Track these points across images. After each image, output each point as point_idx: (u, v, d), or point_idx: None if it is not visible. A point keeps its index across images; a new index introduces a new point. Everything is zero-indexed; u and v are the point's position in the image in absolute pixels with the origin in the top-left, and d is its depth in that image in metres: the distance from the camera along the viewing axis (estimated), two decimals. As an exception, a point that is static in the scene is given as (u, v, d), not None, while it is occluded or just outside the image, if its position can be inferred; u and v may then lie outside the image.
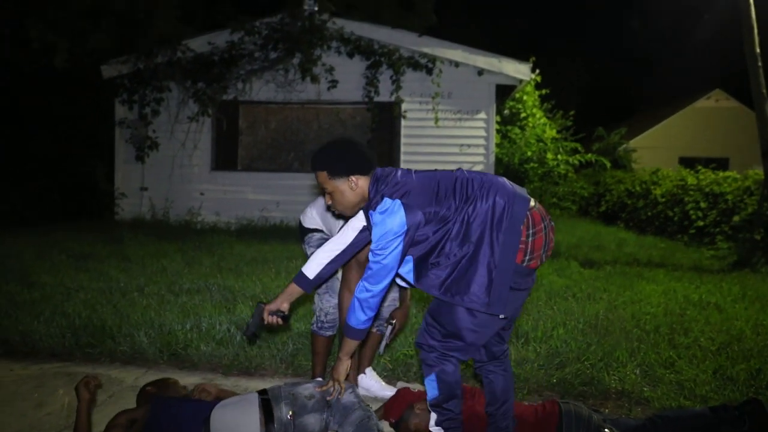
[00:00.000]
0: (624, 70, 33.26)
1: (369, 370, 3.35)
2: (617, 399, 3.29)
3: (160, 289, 5.19)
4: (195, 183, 10.39)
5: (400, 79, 9.86)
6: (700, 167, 12.46)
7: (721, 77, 26.31)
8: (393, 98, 9.89)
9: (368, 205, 2.35)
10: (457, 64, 9.84)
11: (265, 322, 2.58)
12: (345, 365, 2.53)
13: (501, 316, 2.29)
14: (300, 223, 3.33)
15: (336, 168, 2.37)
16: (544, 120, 11.40)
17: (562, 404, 2.71)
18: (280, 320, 2.59)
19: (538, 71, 9.92)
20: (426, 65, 9.84)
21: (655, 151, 23.06)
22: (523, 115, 11.28)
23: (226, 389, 2.88)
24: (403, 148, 10.14)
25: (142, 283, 5.37)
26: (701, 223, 10.73)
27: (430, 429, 2.46)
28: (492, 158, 10.05)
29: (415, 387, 3.24)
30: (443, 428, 2.42)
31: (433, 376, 2.39)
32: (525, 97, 11.41)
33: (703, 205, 10.94)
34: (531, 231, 2.25)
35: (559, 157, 10.65)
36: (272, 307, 2.56)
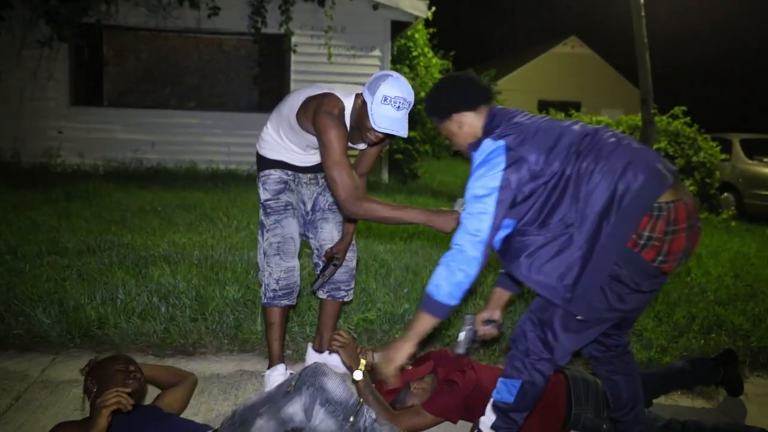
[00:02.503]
0: (488, 14, 34.01)
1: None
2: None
3: (40, 250, 4.34)
4: (51, 119, 8.96)
5: (290, 9, 9.05)
6: (572, 111, 13.07)
7: (576, 25, 27.72)
8: (282, 30, 9.09)
9: (473, 143, 2.02)
10: (351, -4, 9.23)
11: (480, 334, 2.41)
12: (407, 350, 2.07)
13: (578, 317, 1.92)
14: (257, 152, 2.75)
15: (436, 110, 2.14)
16: (435, 60, 11.19)
17: (567, 371, 2.56)
18: (495, 330, 2.42)
19: (434, 8, 9.59)
20: (318, -5, 9.12)
21: (517, 93, 24.04)
22: (414, 53, 10.97)
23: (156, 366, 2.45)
24: (293, 85, 9.42)
25: (12, 243, 4.45)
26: (576, 165, 11.30)
27: (482, 428, 2.13)
28: (386, 98, 9.70)
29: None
30: None
31: (518, 383, 2.01)
32: (416, 35, 11.08)
33: (577, 148, 11.50)
34: (671, 228, 1.81)
35: (452, 98, 10.54)
36: (484, 316, 2.40)
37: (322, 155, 2.35)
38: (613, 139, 1.91)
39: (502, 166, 1.88)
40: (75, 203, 6.21)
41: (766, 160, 9.17)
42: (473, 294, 3.81)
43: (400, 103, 2.27)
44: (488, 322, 2.46)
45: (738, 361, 2.94)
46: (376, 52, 9.59)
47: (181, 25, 8.94)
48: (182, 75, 9.57)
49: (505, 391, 2.05)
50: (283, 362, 2.68)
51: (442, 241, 5.39)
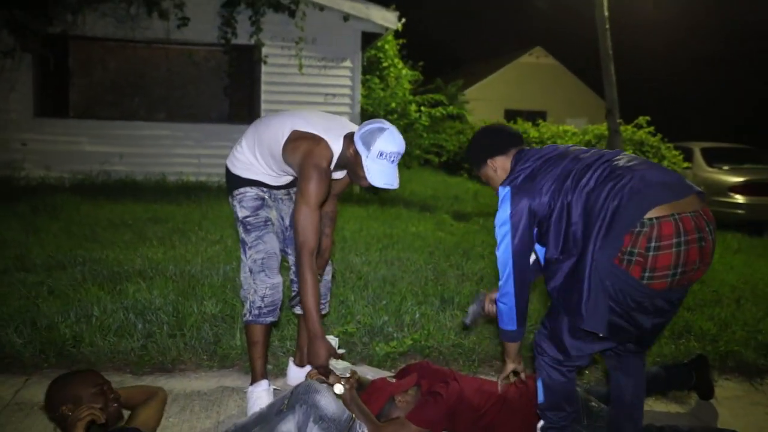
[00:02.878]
0: (454, 24, 34.40)
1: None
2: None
3: (7, 266, 4.25)
4: (14, 131, 8.76)
5: (261, 21, 9.03)
6: (539, 120, 13.34)
7: (539, 35, 28.21)
8: (252, 41, 9.05)
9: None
10: (321, 8, 9.24)
11: (485, 311, 2.52)
12: (509, 369, 2.37)
13: (600, 334, 1.98)
14: (227, 169, 2.70)
15: (475, 158, 2.33)
16: (405, 71, 11.28)
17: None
18: None
19: (404, 20, 9.68)
20: (288, 6, 9.10)
21: (484, 103, 24.34)
22: (385, 64, 11.04)
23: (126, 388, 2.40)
24: (263, 96, 9.41)
25: (-22, 260, 4.35)
26: (544, 174, 11.50)
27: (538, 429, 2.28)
28: (357, 109, 9.73)
29: (372, 372, 2.96)
30: None
31: (539, 382, 2.20)
32: (386, 46, 11.16)
33: (545, 157, 11.70)
34: (653, 244, 1.83)
35: (422, 109, 10.63)
36: (494, 296, 2.43)
37: (299, 198, 2.37)
38: (620, 162, 2.00)
39: (509, 211, 2.06)
40: (42, 217, 6.08)
41: (725, 168, 9.46)
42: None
43: (395, 157, 2.35)
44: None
45: (709, 365, 3.03)
46: (347, 63, 9.63)
47: (149, 36, 8.84)
48: (151, 86, 9.44)
49: (538, 393, 2.22)
50: (267, 378, 2.67)
51: (417, 250, 5.43)
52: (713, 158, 9.74)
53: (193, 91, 9.60)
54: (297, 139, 2.42)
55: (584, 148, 2.18)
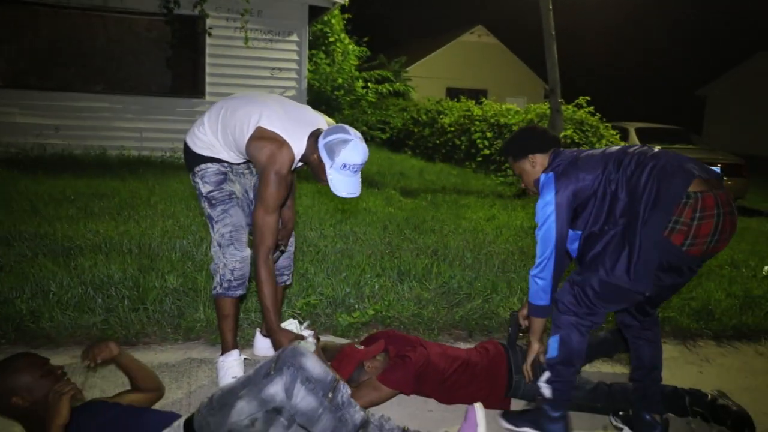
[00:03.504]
0: (396, 1, 34.24)
1: (288, 322, 3.01)
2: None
3: (-53, 243, 4.07)
4: (-63, 101, 8.27)
5: (205, -10, 8.80)
6: (483, 99, 13.55)
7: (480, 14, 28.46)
8: (196, 11, 8.80)
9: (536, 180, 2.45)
10: (268, -21, 9.10)
11: (523, 327, 2.70)
12: (536, 349, 2.54)
13: (646, 293, 2.23)
14: (186, 146, 2.67)
15: (518, 151, 2.51)
16: (352, 46, 11.23)
17: (505, 344, 2.77)
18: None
19: (352, -6, 9.64)
20: (233, -24, 8.91)
21: (427, 81, 24.51)
22: (331, 39, 10.96)
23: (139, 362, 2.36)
24: (208, 69, 9.21)
25: None
26: (487, 152, 11.78)
27: (539, 383, 2.41)
28: (304, 84, 9.66)
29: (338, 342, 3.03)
30: (551, 387, 2.38)
31: (557, 338, 2.35)
32: (333, 21, 11.06)
33: (489, 134, 11.96)
34: (698, 214, 2.08)
35: (369, 85, 10.63)
36: (524, 312, 2.65)
37: (258, 201, 2.43)
38: (647, 150, 2.27)
39: (553, 192, 2.28)
40: (-24, 192, 5.80)
41: (657, 147, 9.97)
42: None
43: (358, 168, 2.43)
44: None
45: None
46: (294, 37, 9.52)
47: (84, 3, 8.47)
48: (88, 56, 9.01)
49: (550, 348, 2.38)
50: (237, 347, 2.70)
51: (370, 225, 5.52)
52: (647, 138, 10.24)
53: (133, 62, 9.25)
54: (261, 138, 2.43)
55: (609, 146, 2.44)
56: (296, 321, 2.63)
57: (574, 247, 2.41)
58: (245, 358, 2.73)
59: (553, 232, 2.28)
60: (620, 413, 2.60)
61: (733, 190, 9.63)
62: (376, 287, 3.80)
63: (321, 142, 2.41)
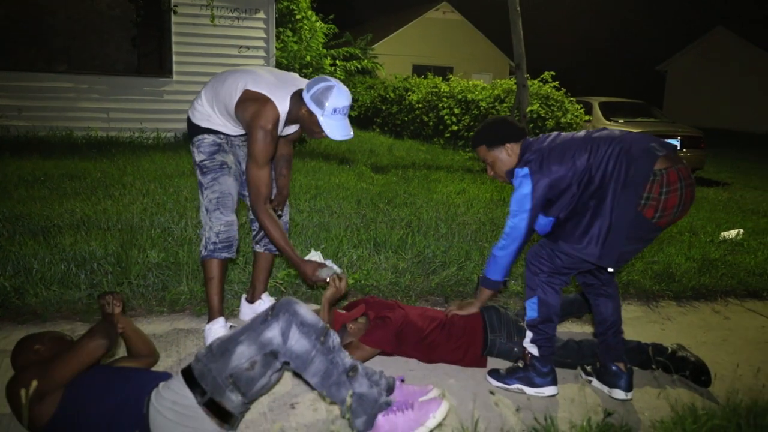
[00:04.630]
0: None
1: (265, 296, 3.14)
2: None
3: None
4: None
5: (168, -33, 8.67)
6: (450, 75, 13.66)
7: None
8: (161, -11, 8.70)
9: (509, 172, 2.60)
10: (233, -44, 9.00)
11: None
12: (474, 311, 2.83)
13: (610, 270, 2.48)
14: (188, 118, 2.83)
15: (493, 140, 2.62)
16: (320, 24, 11.18)
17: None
18: None
19: (319, -30, 9.58)
20: (198, -47, 8.79)
21: (392, 58, 24.49)
22: (298, 16, 10.88)
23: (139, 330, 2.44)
24: (174, 48, 9.10)
25: None
26: (455, 128, 11.94)
27: (524, 345, 2.61)
28: (273, 62, 9.62)
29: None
30: (537, 345, 2.57)
31: (534, 299, 2.54)
32: (299, -2, 10.98)
33: (456, 111, 12.11)
34: (664, 189, 2.30)
35: (337, 62, 10.63)
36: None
37: (248, 157, 2.59)
38: (612, 133, 2.46)
39: (530, 186, 2.45)
40: (-57, 175, 5.70)
41: (620, 121, 10.24)
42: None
43: (347, 110, 2.55)
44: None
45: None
46: (260, 15, 9.46)
47: (45, -20, 8.28)
48: (49, 35, 8.82)
49: (529, 310, 2.58)
50: (223, 315, 2.80)
51: (344, 200, 5.62)
52: (610, 112, 10.49)
53: (97, 41, 9.09)
54: (247, 100, 2.59)
55: (574, 132, 2.58)
56: (319, 252, 2.76)
57: (540, 224, 2.59)
58: (231, 326, 2.83)
59: (525, 222, 2.49)
60: (588, 366, 2.78)
61: (691, 162, 9.98)
62: (354, 257, 3.91)
63: (306, 96, 2.53)
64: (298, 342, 1.94)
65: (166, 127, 9.14)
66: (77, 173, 6.06)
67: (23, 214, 4.30)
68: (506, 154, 2.62)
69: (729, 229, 5.55)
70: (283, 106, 2.59)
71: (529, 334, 2.60)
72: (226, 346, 1.92)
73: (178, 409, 1.88)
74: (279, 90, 2.61)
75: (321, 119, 2.51)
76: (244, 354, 1.90)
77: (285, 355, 1.94)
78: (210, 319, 2.78)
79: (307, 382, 2.18)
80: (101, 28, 9.03)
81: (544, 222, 2.57)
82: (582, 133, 2.54)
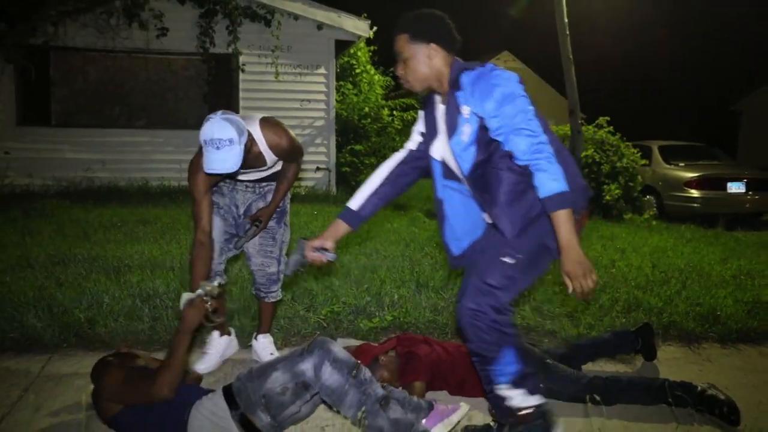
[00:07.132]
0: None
1: (261, 337, 3.28)
2: (526, 333, 3.73)
3: (11, 265, 4.54)
4: (-3, 140, 8.99)
5: (237, 30, 9.41)
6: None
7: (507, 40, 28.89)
8: (230, 50, 9.43)
9: (456, 86, 2.12)
10: (296, 17, 9.66)
11: (308, 260, 2.38)
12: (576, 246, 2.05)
13: (519, 255, 2.14)
14: None
15: (419, 30, 2.15)
16: (378, 77, 11.72)
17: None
18: (324, 258, 2.39)
19: (375, 28, 10.12)
20: (264, 16, 9.50)
21: (455, 106, 24.82)
22: (358, 70, 11.46)
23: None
24: (242, 103, 9.76)
25: (-18, 260, 4.63)
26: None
27: (520, 407, 2.18)
28: (332, 114, 10.14)
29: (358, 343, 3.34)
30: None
31: (511, 349, 2.11)
32: (359, 53, 11.58)
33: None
34: None
35: (395, 113, 11.08)
36: (316, 243, 2.37)
37: None
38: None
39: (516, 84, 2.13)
40: (34, 221, 6.34)
41: (681, 164, 10.08)
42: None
43: (218, 143, 2.46)
44: (320, 250, 2.42)
45: (654, 331, 3.47)
46: (321, 70, 10.03)
47: (129, 46, 9.12)
48: (131, 94, 9.70)
49: (507, 366, 2.13)
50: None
51: (393, 243, 5.84)
52: (670, 155, 10.36)
53: (173, 98, 9.89)
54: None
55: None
56: (214, 282, 2.57)
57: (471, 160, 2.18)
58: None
59: (536, 119, 2.10)
60: None
61: (757, 205, 9.67)
62: (396, 297, 4.11)
63: None
64: (331, 376, 2.17)
65: (233, 177, 9.71)
66: (149, 219, 6.59)
67: (99, 256, 4.76)
68: (425, 56, 2.14)
69: (788, 273, 5.39)
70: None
71: (514, 392, 2.17)
72: (264, 369, 2.18)
73: (215, 419, 2.13)
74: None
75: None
76: (278, 379, 2.15)
77: (318, 389, 2.18)
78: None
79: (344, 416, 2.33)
80: (176, 87, 9.82)
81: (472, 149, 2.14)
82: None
